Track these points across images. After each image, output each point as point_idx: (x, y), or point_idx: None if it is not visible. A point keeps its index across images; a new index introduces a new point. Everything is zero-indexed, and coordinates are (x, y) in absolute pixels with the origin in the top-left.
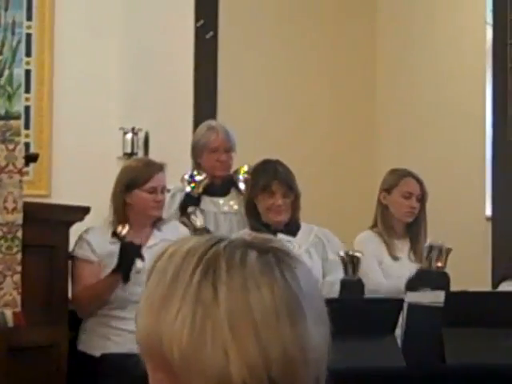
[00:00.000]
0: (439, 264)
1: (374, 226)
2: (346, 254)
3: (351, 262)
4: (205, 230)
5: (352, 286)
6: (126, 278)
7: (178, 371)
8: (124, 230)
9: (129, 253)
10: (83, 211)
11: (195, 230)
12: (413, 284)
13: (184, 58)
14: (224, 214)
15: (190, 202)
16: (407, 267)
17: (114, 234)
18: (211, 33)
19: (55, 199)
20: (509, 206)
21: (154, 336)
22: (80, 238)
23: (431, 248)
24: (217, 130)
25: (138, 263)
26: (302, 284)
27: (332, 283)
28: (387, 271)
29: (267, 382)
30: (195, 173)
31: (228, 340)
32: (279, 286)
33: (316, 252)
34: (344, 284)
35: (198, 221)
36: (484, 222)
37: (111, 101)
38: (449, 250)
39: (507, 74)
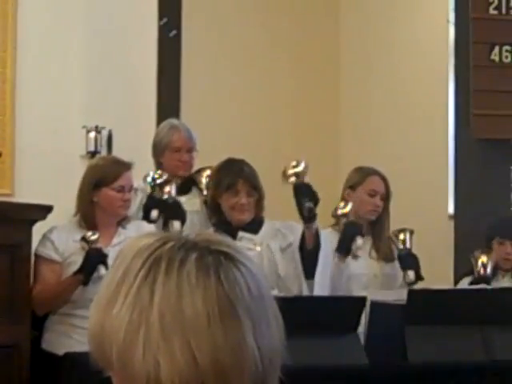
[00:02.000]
0: (404, 245)
1: (336, 224)
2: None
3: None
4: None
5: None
6: (86, 282)
7: (117, 372)
8: (94, 237)
9: (94, 258)
10: (46, 210)
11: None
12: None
13: (147, 56)
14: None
15: (152, 203)
16: (366, 265)
17: (83, 239)
18: (174, 31)
19: (18, 198)
20: (471, 205)
21: (99, 334)
22: (44, 237)
23: (396, 234)
24: (179, 130)
25: (102, 270)
26: (241, 288)
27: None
28: (345, 269)
29: None
30: (157, 175)
31: (159, 345)
32: (213, 290)
33: (275, 243)
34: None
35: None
36: (446, 220)
37: (74, 99)
38: (411, 232)
39: (470, 72)
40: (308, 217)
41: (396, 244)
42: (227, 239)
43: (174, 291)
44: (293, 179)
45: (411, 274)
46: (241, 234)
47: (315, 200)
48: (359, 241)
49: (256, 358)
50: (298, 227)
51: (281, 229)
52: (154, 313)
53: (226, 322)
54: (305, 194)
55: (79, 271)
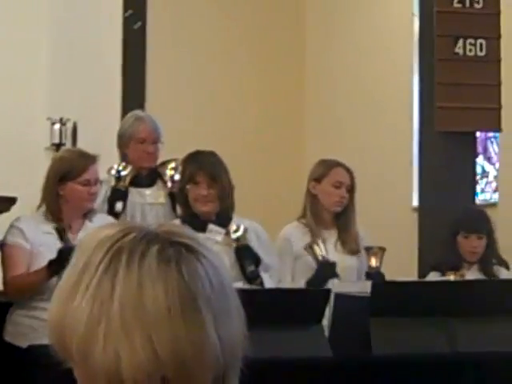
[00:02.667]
0: (374, 264)
1: (302, 217)
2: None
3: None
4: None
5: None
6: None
7: (78, 363)
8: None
9: (68, 257)
10: (10, 202)
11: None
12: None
13: (112, 48)
14: (150, 205)
15: (117, 196)
16: (331, 257)
17: (58, 231)
18: (139, 23)
19: None
20: (435, 197)
21: (59, 326)
22: (12, 226)
23: (367, 249)
24: (144, 121)
25: None
26: (202, 280)
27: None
28: (310, 263)
29: (160, 383)
30: (121, 167)
31: (120, 338)
32: (174, 283)
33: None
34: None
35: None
36: (410, 212)
37: (39, 91)
38: (383, 250)
39: (434, 65)
40: (251, 278)
41: (367, 260)
42: (189, 231)
43: (135, 284)
44: (234, 243)
45: (368, 284)
46: (210, 226)
47: (256, 260)
48: (336, 282)
49: (217, 349)
50: (263, 231)
51: (250, 233)
52: (115, 306)
53: (186, 314)
54: (247, 257)
55: (52, 266)
